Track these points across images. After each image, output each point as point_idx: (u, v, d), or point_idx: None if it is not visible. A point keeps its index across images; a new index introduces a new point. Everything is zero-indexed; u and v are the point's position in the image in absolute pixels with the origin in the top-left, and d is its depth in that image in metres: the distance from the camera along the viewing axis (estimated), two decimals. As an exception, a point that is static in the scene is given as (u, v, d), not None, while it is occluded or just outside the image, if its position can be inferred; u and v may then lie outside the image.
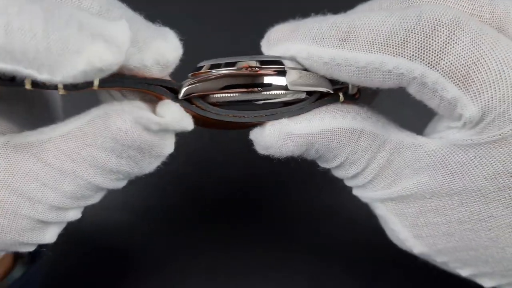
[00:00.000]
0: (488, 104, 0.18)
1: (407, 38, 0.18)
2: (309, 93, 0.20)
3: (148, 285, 0.37)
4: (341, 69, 0.19)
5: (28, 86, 0.18)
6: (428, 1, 0.19)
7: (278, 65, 0.20)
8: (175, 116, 0.19)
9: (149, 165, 0.21)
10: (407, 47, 0.18)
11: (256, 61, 0.20)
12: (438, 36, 0.17)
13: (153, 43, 0.18)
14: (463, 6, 0.19)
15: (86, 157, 0.19)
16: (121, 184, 0.22)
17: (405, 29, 0.18)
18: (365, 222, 0.34)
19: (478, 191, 0.20)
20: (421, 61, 0.18)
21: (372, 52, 0.18)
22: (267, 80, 0.20)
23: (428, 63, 0.18)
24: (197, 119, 0.20)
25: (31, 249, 0.22)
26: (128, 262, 0.38)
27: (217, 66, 0.20)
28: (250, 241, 0.38)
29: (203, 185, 0.39)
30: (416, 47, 0.18)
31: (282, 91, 0.20)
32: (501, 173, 0.19)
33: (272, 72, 0.20)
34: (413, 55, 0.18)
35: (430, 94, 0.19)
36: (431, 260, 0.23)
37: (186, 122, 0.20)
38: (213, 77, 0.20)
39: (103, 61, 0.16)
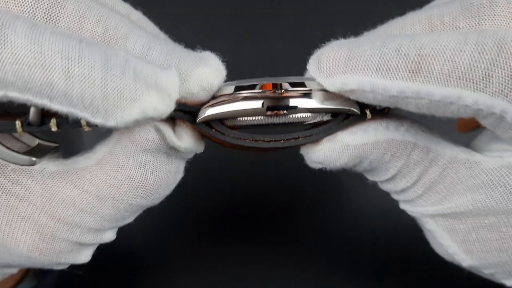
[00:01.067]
0: None
1: (489, 73, 0.16)
2: (333, 114, 0.19)
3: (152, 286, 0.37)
4: (409, 101, 0.17)
5: (54, 128, 0.18)
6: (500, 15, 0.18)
7: (301, 87, 0.19)
8: (191, 144, 0.20)
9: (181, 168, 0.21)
10: (490, 82, 0.16)
11: (279, 83, 0.19)
12: None
13: (195, 71, 0.18)
14: None
15: (123, 179, 0.20)
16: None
17: (487, 62, 0.16)
18: (370, 221, 0.36)
19: None
20: (504, 98, 0.16)
21: (448, 86, 0.16)
22: (292, 102, 0.19)
23: None
24: (214, 140, 0.20)
25: (65, 267, 0.23)
26: (132, 265, 0.38)
27: (240, 88, 0.19)
28: (251, 242, 0.38)
29: (204, 185, 0.39)
30: (500, 83, 0.16)
31: (308, 114, 0.19)
32: None
33: (298, 94, 0.19)
34: (496, 91, 0.16)
35: (507, 128, 0.18)
36: (477, 272, 0.23)
37: (199, 149, 0.21)
38: (234, 99, 0.19)
39: (156, 111, 0.16)
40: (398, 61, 0.17)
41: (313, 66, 0.19)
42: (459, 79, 0.16)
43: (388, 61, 0.17)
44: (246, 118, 0.19)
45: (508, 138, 0.18)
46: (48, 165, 0.20)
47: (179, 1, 0.40)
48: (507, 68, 0.16)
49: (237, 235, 0.38)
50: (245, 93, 0.19)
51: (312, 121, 0.19)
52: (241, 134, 0.19)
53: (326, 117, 0.19)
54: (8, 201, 0.20)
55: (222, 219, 0.38)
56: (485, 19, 0.17)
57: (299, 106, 0.19)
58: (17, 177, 0.20)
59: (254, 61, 0.39)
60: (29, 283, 0.28)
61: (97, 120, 0.16)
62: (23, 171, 0.20)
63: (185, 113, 0.19)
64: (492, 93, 0.16)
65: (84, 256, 0.22)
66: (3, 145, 0.19)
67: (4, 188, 0.20)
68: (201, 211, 0.39)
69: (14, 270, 0.23)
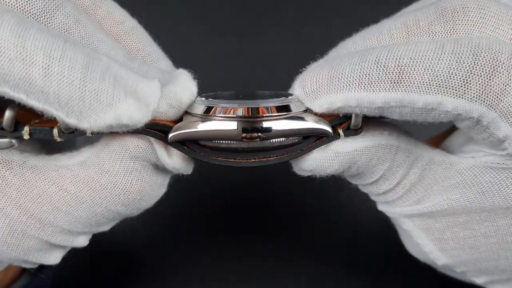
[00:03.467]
0: None
1: (468, 79, 0.17)
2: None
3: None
4: (394, 110, 0.18)
5: (26, 136, 0.18)
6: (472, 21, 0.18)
7: (277, 112, 0.19)
8: (180, 164, 0.20)
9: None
10: (468, 88, 0.17)
11: (252, 107, 0.18)
12: (498, 77, 0.17)
13: (164, 90, 0.18)
14: (504, 31, 0.18)
15: (106, 184, 0.19)
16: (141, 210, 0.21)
17: (464, 69, 0.17)
18: (369, 220, 0.37)
19: (507, 209, 0.21)
20: (481, 103, 0.17)
21: (429, 94, 0.17)
22: (266, 124, 0.19)
23: (488, 104, 0.17)
24: None
25: (34, 266, 0.22)
26: (131, 266, 0.37)
27: (210, 110, 0.19)
28: (251, 242, 0.38)
29: (204, 186, 0.39)
30: (477, 89, 0.17)
31: (281, 139, 0.19)
32: None
33: (272, 117, 0.19)
34: (473, 97, 0.17)
35: (481, 130, 0.18)
36: (449, 271, 0.24)
37: (187, 170, 0.21)
38: (206, 120, 0.19)
39: (131, 119, 0.16)
40: (379, 73, 0.17)
41: (299, 91, 0.19)
42: (439, 86, 0.17)
43: (369, 74, 0.17)
44: (218, 141, 0.19)
45: (480, 139, 0.19)
46: (29, 159, 0.20)
47: (180, 1, 0.40)
48: (484, 75, 0.17)
49: (235, 232, 0.38)
50: (218, 116, 0.18)
51: (284, 144, 0.19)
52: (213, 153, 0.19)
53: (297, 139, 0.19)
54: None
55: (223, 216, 0.38)
56: (459, 24, 0.18)
57: (274, 128, 0.18)
58: None
59: (254, 60, 0.39)
60: (27, 279, 0.27)
61: (71, 120, 0.16)
62: (2, 161, 0.19)
63: (158, 131, 0.19)
64: (471, 98, 0.17)
65: (53, 258, 0.21)
66: None
67: None
68: (201, 209, 0.38)
69: None
